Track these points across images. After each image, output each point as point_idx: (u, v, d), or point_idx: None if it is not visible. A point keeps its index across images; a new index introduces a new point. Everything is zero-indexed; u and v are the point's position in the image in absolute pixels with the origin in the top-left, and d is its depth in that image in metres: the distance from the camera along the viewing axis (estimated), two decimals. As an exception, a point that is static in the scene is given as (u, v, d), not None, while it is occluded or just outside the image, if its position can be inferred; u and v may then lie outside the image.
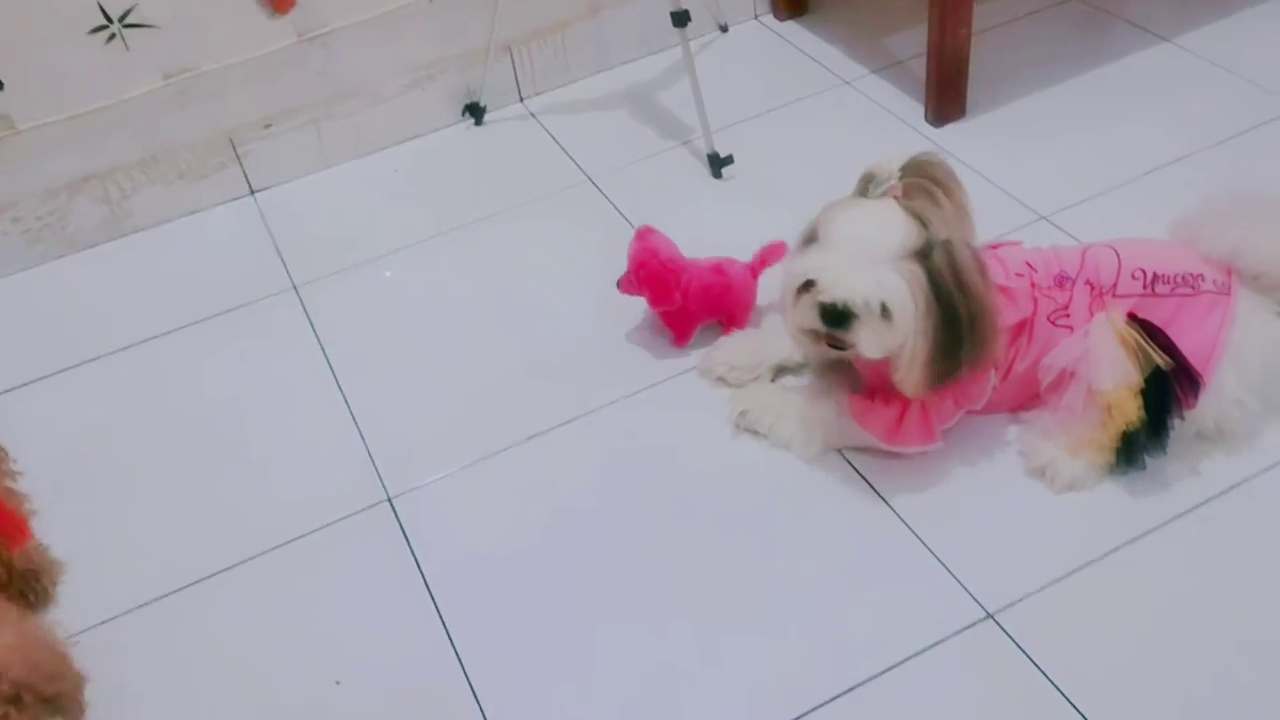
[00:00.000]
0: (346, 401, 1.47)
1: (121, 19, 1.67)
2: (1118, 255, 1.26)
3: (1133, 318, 1.21)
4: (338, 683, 1.16)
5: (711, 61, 2.00)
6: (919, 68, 1.81)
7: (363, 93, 1.87)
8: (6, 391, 1.56)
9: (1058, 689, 1.06)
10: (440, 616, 1.20)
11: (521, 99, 2.00)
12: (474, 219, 1.75)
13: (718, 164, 1.75)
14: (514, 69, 1.97)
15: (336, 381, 1.51)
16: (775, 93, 1.91)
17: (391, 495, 1.34)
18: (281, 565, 1.28)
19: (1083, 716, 1.04)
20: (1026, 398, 1.29)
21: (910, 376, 1.19)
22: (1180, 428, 1.20)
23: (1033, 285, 1.25)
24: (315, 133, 1.87)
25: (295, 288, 1.67)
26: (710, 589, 1.20)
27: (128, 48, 1.69)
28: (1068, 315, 1.24)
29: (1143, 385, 1.17)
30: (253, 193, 1.87)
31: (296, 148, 1.87)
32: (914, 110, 1.82)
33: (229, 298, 1.66)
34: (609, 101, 1.97)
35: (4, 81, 1.64)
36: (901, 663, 1.10)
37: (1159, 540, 1.18)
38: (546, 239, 1.70)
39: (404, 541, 1.29)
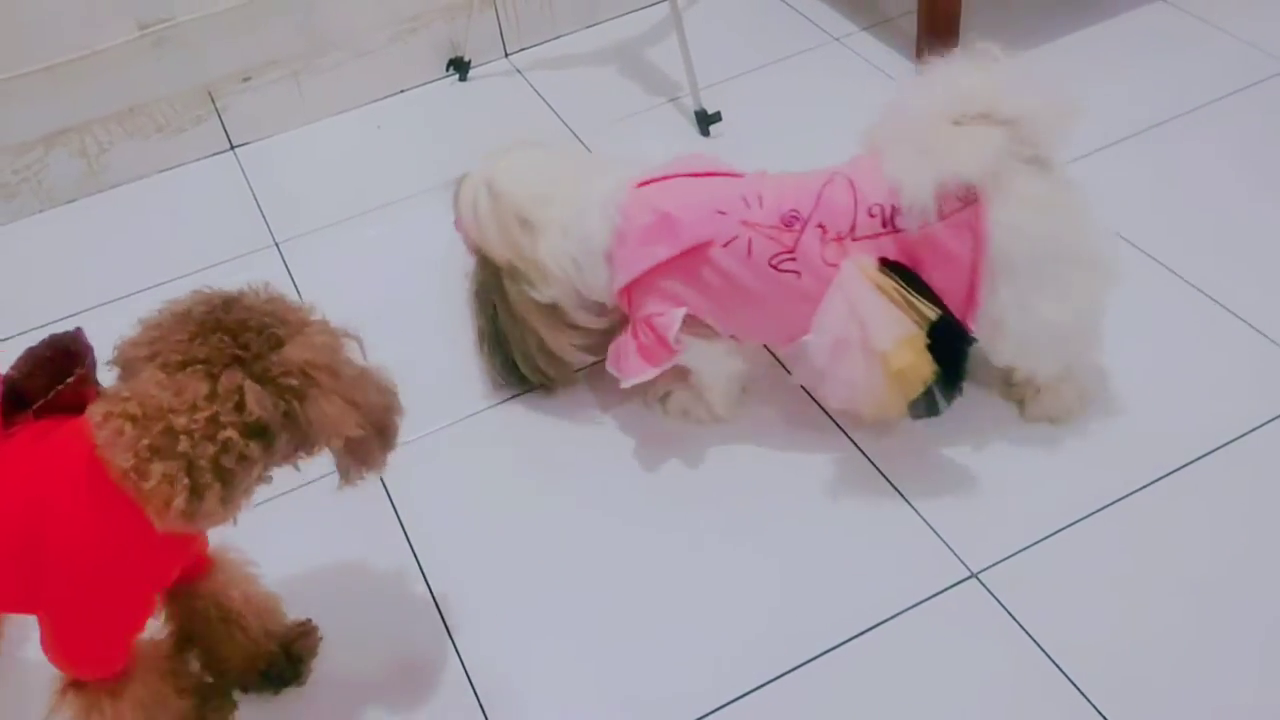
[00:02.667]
0: (329, 359, 1.46)
1: (96, -33, 1.63)
2: (854, 191, 1.14)
3: (885, 263, 1.12)
4: (321, 637, 1.16)
5: (700, 17, 1.97)
6: (910, 25, 1.79)
7: (344, 46, 1.84)
8: (-17, 348, 1.54)
9: (1040, 648, 1.07)
10: (420, 568, 1.20)
11: (506, 54, 1.97)
12: (458, 176, 1.72)
13: (705, 121, 1.72)
14: (499, 23, 1.93)
15: (318, 339, 1.49)
16: (764, 49, 1.89)
17: (374, 453, 1.33)
18: (264, 513, 1.27)
19: (1064, 674, 1.05)
20: (779, 329, 1.23)
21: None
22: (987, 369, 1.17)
23: (745, 223, 1.15)
24: (296, 86, 1.84)
25: (277, 244, 1.65)
26: (693, 549, 1.19)
27: (102, -4, 1.66)
28: (794, 259, 1.15)
29: (926, 339, 1.09)
30: (232, 147, 1.84)
31: (277, 101, 1.83)
32: (904, 68, 1.80)
33: (209, 254, 1.64)
34: (595, 57, 1.94)
35: (-24, 31, 1.61)
36: (885, 621, 1.10)
37: (1142, 501, 1.18)
38: (531, 196, 1.68)
39: (387, 501, 1.28)
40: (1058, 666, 1.05)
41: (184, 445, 0.82)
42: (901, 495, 1.21)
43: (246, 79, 1.80)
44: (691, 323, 1.21)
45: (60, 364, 0.93)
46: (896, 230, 1.12)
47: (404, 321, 1.50)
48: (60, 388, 0.92)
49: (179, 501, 0.82)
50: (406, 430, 1.34)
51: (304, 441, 0.90)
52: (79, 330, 0.95)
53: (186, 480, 0.82)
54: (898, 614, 1.11)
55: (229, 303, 0.89)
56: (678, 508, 1.23)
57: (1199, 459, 1.21)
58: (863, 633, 1.10)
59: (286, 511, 1.29)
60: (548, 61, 1.95)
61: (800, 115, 1.75)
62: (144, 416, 0.82)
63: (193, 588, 1.03)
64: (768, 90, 1.81)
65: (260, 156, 1.83)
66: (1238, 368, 1.30)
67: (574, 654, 1.12)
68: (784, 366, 1.37)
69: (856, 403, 1.16)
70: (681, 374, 1.29)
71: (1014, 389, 1.27)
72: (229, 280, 1.58)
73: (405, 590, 1.19)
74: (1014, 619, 1.09)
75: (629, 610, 1.15)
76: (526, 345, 1.29)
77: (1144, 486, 1.19)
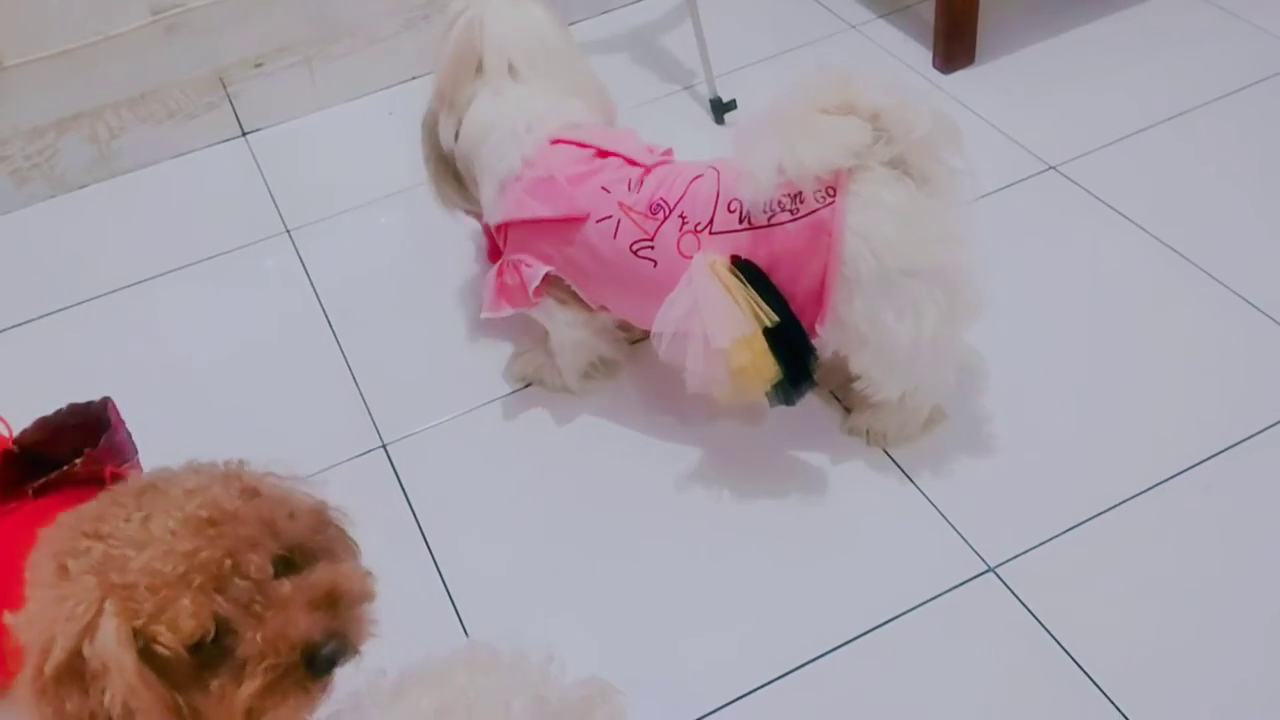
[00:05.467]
0: (341, 348, 1.45)
1: (108, -49, 1.62)
2: (719, 185, 1.13)
3: (736, 261, 1.10)
4: (332, 630, 1.15)
5: (715, 3, 1.95)
6: (928, 12, 1.77)
7: (357, 32, 1.83)
8: (-6, 334, 1.54)
9: (1056, 641, 1.06)
10: (433, 558, 1.19)
11: (520, 41, 1.95)
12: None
13: (720, 109, 1.71)
14: (512, 9, 1.92)
15: (331, 328, 1.48)
16: (780, 37, 1.87)
17: (386, 442, 1.33)
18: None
19: (1082, 669, 1.04)
20: (637, 311, 1.21)
21: None
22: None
23: (621, 205, 1.16)
24: (308, 72, 1.83)
25: (288, 231, 1.64)
26: (706, 539, 1.19)
27: (114, -19, 1.65)
28: (652, 247, 1.14)
29: (765, 341, 1.08)
30: (244, 134, 1.83)
31: (289, 88, 1.82)
32: (922, 56, 1.78)
33: (220, 241, 1.63)
34: (610, 44, 1.92)
35: (-12, 15, 1.61)
36: (903, 614, 1.09)
37: (1162, 496, 1.17)
38: (545, 184, 1.67)
39: (399, 488, 1.27)
40: (1075, 661, 1.04)
41: None
42: (918, 488, 1.20)
43: (259, 65, 1.79)
44: (555, 284, 1.22)
45: (82, 433, 0.84)
46: (753, 226, 1.10)
47: (417, 310, 1.49)
48: (67, 468, 0.82)
49: None
50: (422, 418, 1.35)
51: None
52: (108, 400, 0.87)
53: None
54: (914, 608, 1.10)
55: None
56: (689, 498, 1.22)
57: (1221, 452, 1.19)
58: (878, 626, 1.09)
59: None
60: (561, 49, 1.93)
61: (816, 104, 1.73)
62: None
63: None
64: (784, 78, 1.78)
65: (272, 143, 1.82)
66: (1261, 362, 1.28)
67: (583, 643, 1.11)
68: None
69: (708, 390, 1.15)
70: (542, 337, 1.31)
71: (850, 395, 1.23)
72: (242, 266, 1.58)
73: (416, 576, 1.18)
74: (1031, 614, 1.08)
75: (640, 602, 1.14)
76: (442, 179, 1.32)
77: (1164, 480, 1.18)
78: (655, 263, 1.14)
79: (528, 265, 1.21)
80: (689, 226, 1.13)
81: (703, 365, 1.11)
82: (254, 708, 0.67)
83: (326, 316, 1.50)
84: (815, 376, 1.13)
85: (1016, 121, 1.64)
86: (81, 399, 1.33)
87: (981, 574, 1.12)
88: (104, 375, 1.45)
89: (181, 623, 0.63)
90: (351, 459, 1.31)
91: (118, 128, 1.75)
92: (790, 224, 1.08)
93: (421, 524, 1.24)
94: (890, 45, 1.83)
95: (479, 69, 1.23)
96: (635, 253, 1.15)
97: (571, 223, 1.17)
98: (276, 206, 1.69)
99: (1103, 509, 1.16)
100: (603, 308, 1.25)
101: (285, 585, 0.68)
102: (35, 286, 1.60)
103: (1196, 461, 1.19)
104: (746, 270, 1.09)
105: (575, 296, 1.24)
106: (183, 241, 1.63)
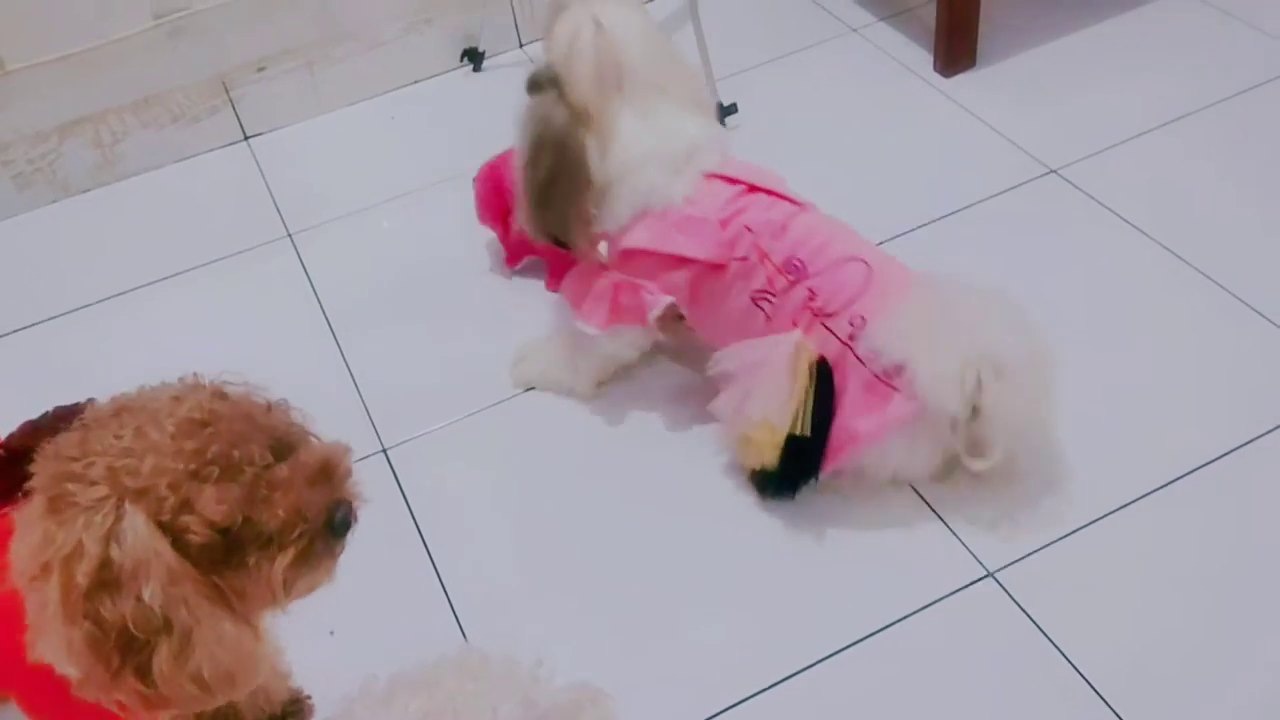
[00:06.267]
0: (342, 352, 1.45)
1: (110, -44, 1.63)
2: (864, 292, 1.12)
3: (823, 362, 1.11)
4: (331, 633, 1.15)
5: (716, 7, 1.95)
6: (929, 15, 1.77)
7: (359, 36, 1.83)
8: (-3, 338, 1.54)
9: (1056, 647, 1.06)
10: (433, 563, 1.20)
11: (521, 44, 1.96)
12: (472, 167, 1.71)
13: (722, 113, 1.71)
14: (514, 13, 1.92)
15: (332, 332, 1.48)
16: (781, 40, 1.87)
17: (386, 446, 1.33)
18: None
19: (1080, 675, 1.04)
20: (730, 337, 1.21)
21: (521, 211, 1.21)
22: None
23: (758, 249, 1.15)
24: (310, 76, 1.83)
25: (290, 236, 1.65)
26: (707, 545, 1.19)
27: (117, -14, 1.65)
28: (771, 302, 1.15)
29: (784, 442, 1.11)
30: (246, 138, 1.84)
31: (291, 92, 1.83)
32: (923, 60, 1.78)
33: (222, 246, 1.64)
34: (611, 48, 1.92)
35: (-9, 20, 1.61)
36: (902, 619, 1.09)
37: (1161, 500, 1.16)
38: (546, 188, 1.67)
39: (399, 492, 1.28)
40: (1074, 667, 1.04)
41: None
42: (918, 493, 1.20)
43: (261, 69, 1.80)
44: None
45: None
46: (855, 353, 1.11)
47: (418, 314, 1.49)
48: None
49: None
50: (422, 423, 1.35)
51: None
52: (92, 401, 0.88)
53: None
54: (913, 613, 1.10)
55: None
56: (687, 504, 1.23)
57: (1220, 457, 1.19)
58: (877, 631, 1.09)
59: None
60: (563, 52, 1.93)
61: (817, 108, 1.74)
62: None
63: None
64: (784, 82, 1.80)
65: (274, 147, 1.82)
66: (1261, 367, 1.28)
67: (581, 646, 1.11)
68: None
69: (718, 419, 1.20)
70: (547, 339, 1.32)
71: None
72: (244, 270, 1.59)
73: (416, 580, 1.19)
74: (1030, 619, 1.08)
75: (640, 607, 1.14)
76: (566, 203, 1.19)
77: (1164, 485, 1.18)
78: (769, 317, 1.16)
79: (649, 293, 1.20)
80: (813, 304, 1.13)
81: (727, 409, 1.16)
82: (287, 578, 0.75)
83: (328, 320, 1.50)
84: (797, 497, 1.18)
85: (1017, 125, 1.64)
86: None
87: (981, 579, 1.12)
88: (105, 380, 1.44)
89: (211, 511, 0.69)
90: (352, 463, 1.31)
91: (120, 132, 1.76)
92: (875, 380, 1.10)
93: (421, 528, 1.24)
94: (891, 49, 1.83)
95: (617, 85, 1.15)
96: (755, 300, 1.16)
97: (715, 267, 1.17)
98: (278, 210, 1.69)
99: (1102, 514, 1.16)
100: (689, 326, 1.27)
101: (283, 469, 0.75)
102: (37, 291, 1.60)
103: (1196, 466, 1.19)
104: (824, 377, 1.11)
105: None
106: (185, 246, 1.64)
